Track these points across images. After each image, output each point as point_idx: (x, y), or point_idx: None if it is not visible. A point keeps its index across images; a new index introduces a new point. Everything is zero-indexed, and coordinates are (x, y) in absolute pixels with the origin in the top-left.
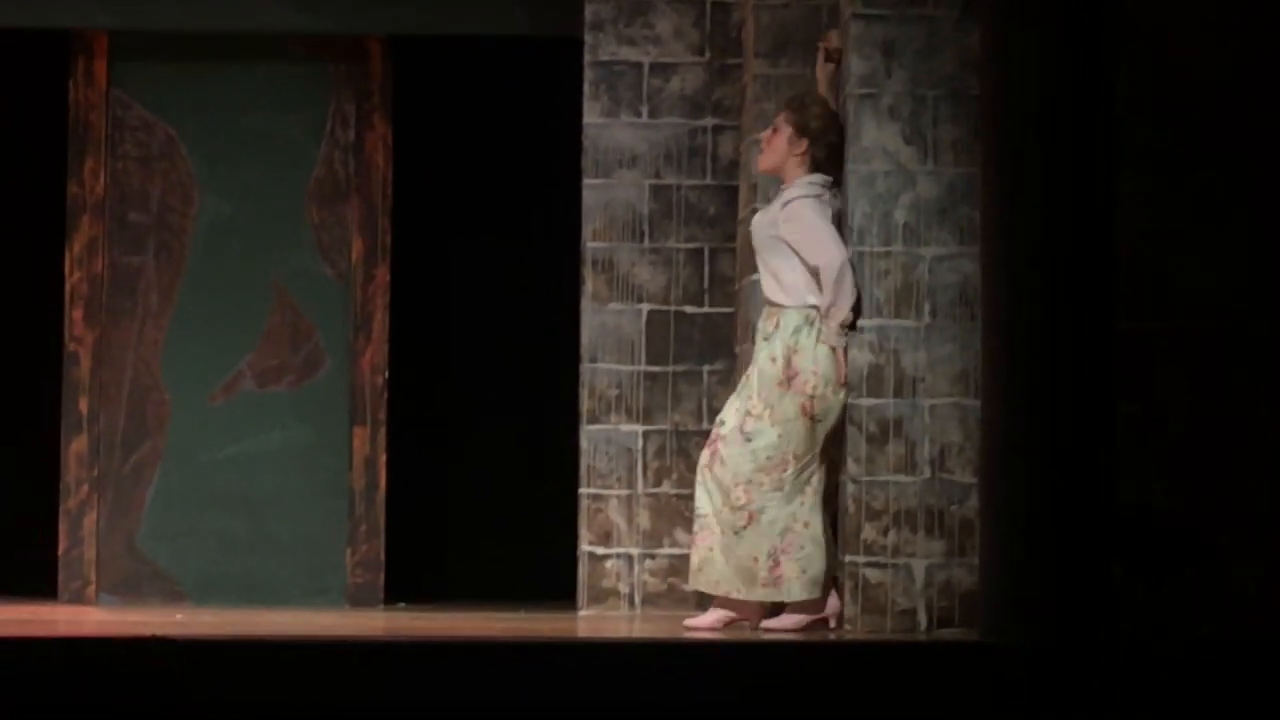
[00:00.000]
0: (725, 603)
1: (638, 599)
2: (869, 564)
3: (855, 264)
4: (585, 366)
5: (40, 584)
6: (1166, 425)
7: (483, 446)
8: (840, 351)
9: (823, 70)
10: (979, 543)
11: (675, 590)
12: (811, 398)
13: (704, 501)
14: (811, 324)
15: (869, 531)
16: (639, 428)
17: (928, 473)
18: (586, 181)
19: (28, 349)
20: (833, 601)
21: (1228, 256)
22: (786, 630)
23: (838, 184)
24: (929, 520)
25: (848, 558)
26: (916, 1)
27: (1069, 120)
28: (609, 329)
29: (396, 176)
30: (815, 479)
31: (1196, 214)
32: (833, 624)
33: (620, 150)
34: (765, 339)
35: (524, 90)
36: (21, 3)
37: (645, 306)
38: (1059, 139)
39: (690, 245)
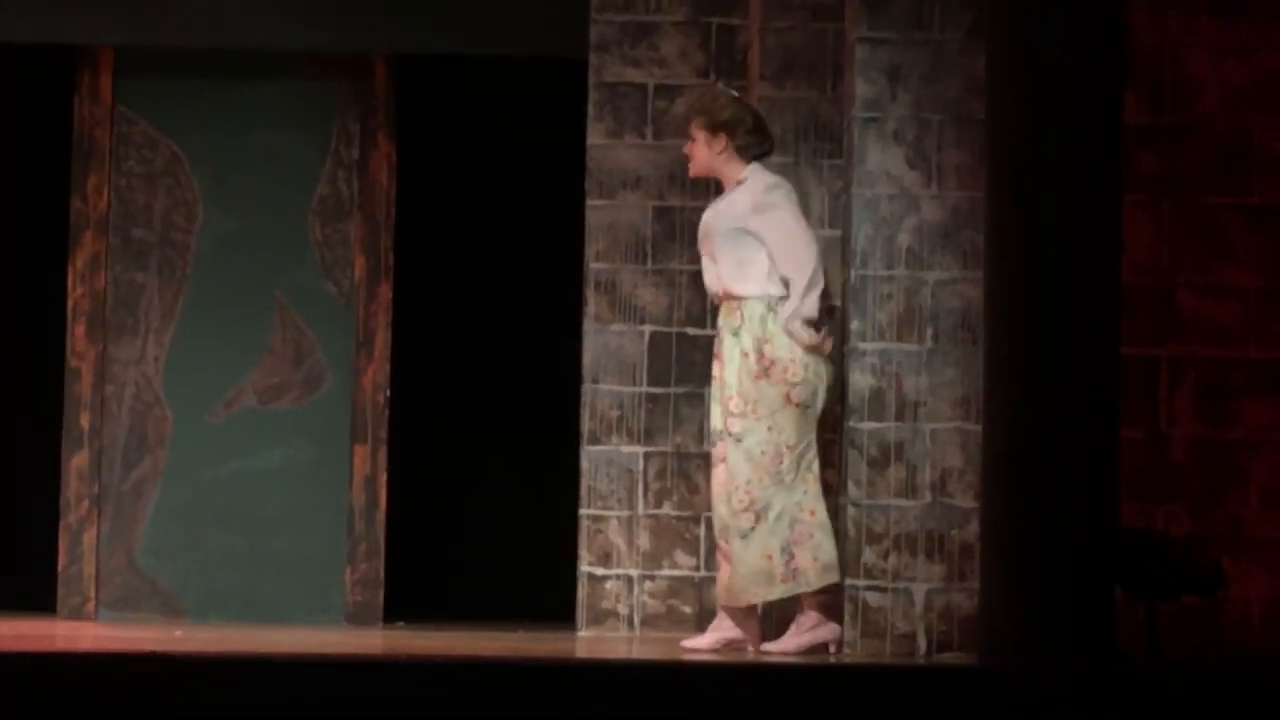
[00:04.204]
0: (730, 617)
1: (637, 620)
2: (869, 588)
3: (858, 287)
4: (587, 387)
5: (40, 600)
6: (1169, 450)
7: (483, 466)
8: (819, 334)
9: None
10: (979, 567)
11: (674, 612)
12: (794, 385)
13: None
14: (775, 311)
15: (869, 555)
16: (640, 449)
17: (928, 497)
18: (590, 202)
19: (29, 364)
20: (834, 626)
21: (1232, 282)
22: (786, 653)
23: (769, 151)
24: (929, 544)
25: (848, 581)
26: (922, 26)
27: (1074, 145)
28: (611, 350)
29: (400, 195)
30: (815, 465)
31: (1202, 239)
32: (833, 649)
33: (624, 172)
34: (733, 334)
35: (528, 111)
36: (27, 18)
37: (648, 328)
38: (1064, 163)
39: (693, 267)
